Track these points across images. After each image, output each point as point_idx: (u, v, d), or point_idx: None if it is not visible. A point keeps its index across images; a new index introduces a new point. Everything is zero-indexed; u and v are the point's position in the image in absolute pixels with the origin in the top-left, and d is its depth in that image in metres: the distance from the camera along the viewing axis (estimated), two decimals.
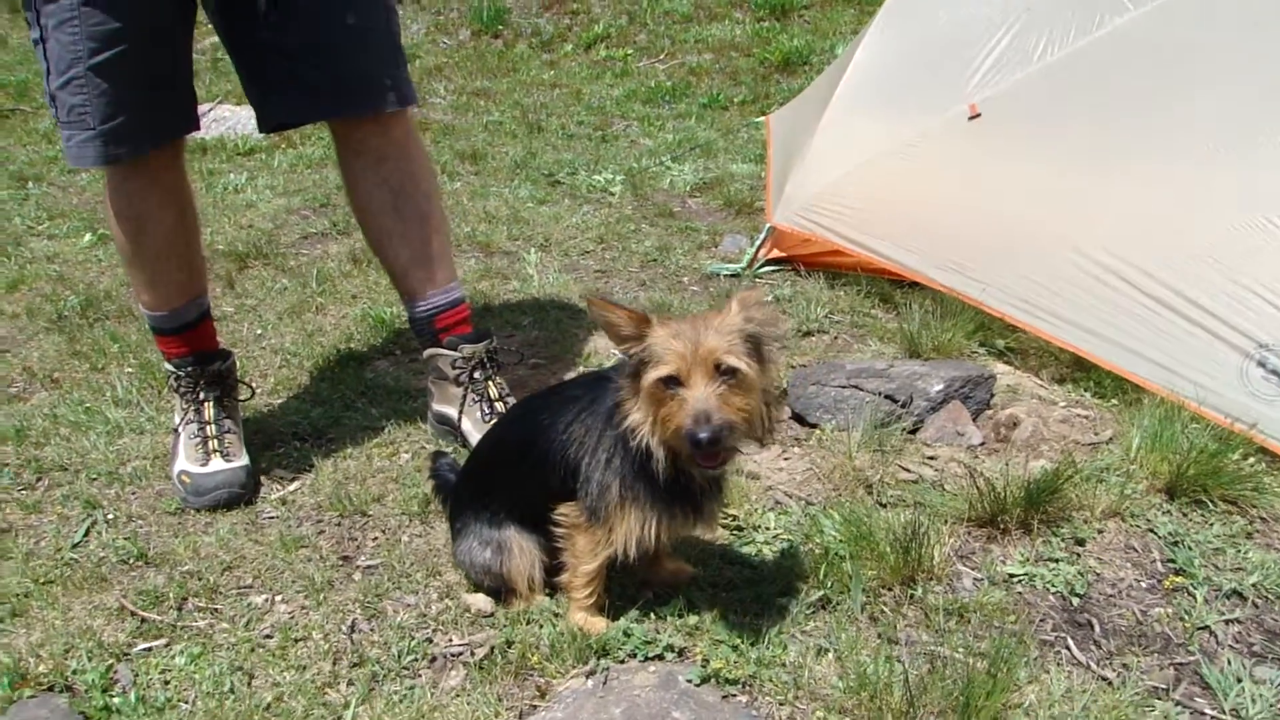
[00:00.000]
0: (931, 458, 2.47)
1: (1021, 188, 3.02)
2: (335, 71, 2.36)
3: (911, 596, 1.97)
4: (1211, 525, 2.20)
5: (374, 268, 3.68)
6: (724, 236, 3.96)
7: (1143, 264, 2.66)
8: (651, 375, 1.61)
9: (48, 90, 2.21)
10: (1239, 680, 1.78)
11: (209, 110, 6.00)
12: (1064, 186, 2.92)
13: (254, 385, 2.86)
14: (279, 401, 2.88)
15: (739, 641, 1.82)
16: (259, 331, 3.34)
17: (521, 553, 1.92)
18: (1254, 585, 2.01)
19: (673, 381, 1.60)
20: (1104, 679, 1.79)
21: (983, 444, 2.54)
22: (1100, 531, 2.17)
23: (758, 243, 3.67)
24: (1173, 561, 2.09)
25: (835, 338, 3.13)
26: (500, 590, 1.96)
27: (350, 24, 2.35)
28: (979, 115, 3.22)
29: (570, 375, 2.93)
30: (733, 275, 3.65)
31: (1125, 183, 2.84)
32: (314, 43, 2.33)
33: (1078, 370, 2.82)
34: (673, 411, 1.60)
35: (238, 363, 2.73)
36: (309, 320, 3.40)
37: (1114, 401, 2.68)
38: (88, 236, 4.33)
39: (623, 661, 1.80)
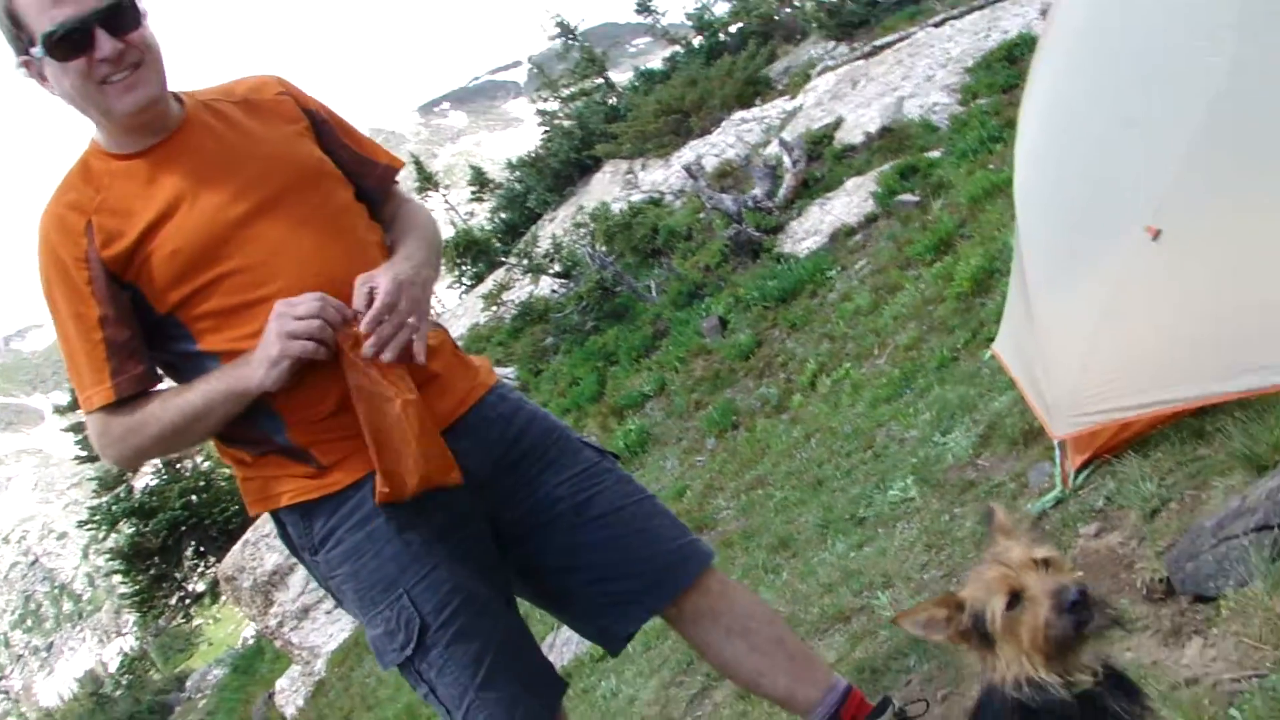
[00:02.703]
0: None
1: (1241, 255, 2.96)
2: (646, 570, 2.57)
3: None
4: None
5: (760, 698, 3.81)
6: (1028, 474, 3.96)
7: None
8: (993, 612, 1.67)
9: None
10: None
11: (553, 641, 6.49)
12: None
13: None
14: None
15: None
16: None
17: None
18: None
19: (1013, 601, 1.65)
20: None
21: None
22: None
23: (1057, 462, 3.66)
24: None
25: (1180, 500, 3.04)
26: None
27: (641, 527, 2.59)
28: (1160, 232, 3.21)
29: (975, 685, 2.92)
30: (1058, 502, 3.61)
31: None
32: (616, 559, 2.56)
33: None
34: (1033, 615, 1.64)
35: None
36: None
37: None
38: None
39: None
